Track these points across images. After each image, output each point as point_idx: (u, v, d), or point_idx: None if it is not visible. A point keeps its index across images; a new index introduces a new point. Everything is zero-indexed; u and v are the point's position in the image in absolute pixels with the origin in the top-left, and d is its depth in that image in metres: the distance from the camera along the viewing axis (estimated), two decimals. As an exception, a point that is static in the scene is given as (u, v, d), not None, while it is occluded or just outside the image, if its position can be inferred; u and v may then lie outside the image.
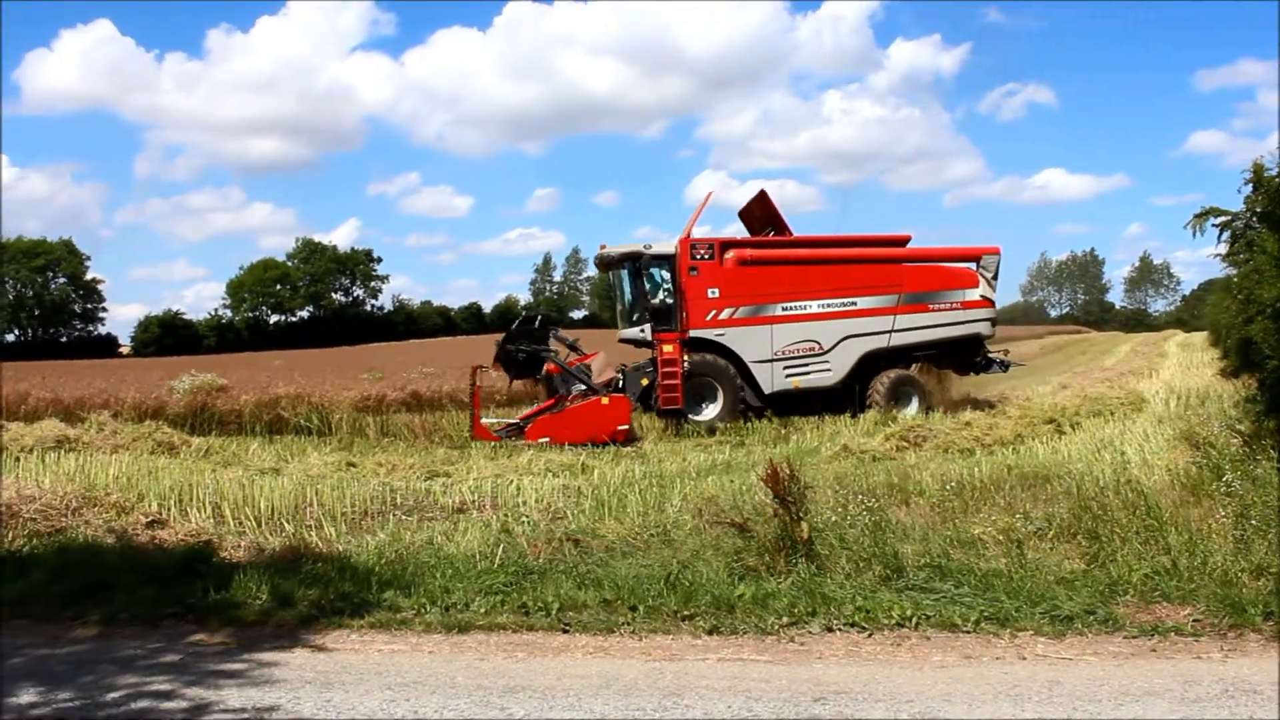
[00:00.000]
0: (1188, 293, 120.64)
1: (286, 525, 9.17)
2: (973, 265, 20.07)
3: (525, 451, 14.71)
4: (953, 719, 4.87)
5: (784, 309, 18.92)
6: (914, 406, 18.86)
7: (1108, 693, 5.17)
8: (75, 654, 6.14)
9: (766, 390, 18.91)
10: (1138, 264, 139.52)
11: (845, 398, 19.17)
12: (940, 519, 8.19)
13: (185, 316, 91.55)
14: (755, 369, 18.82)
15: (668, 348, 18.14)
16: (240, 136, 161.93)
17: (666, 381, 17.95)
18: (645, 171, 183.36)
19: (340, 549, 8.25)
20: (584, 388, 17.66)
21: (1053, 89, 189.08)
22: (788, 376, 18.97)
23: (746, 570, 7.12)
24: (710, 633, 6.30)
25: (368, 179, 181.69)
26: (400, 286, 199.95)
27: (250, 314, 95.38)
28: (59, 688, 5.46)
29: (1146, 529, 7.47)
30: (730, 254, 18.95)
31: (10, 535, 8.61)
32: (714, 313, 18.70)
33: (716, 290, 18.72)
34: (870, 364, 19.29)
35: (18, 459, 12.76)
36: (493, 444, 16.26)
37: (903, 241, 20.47)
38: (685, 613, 6.52)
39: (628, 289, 19.62)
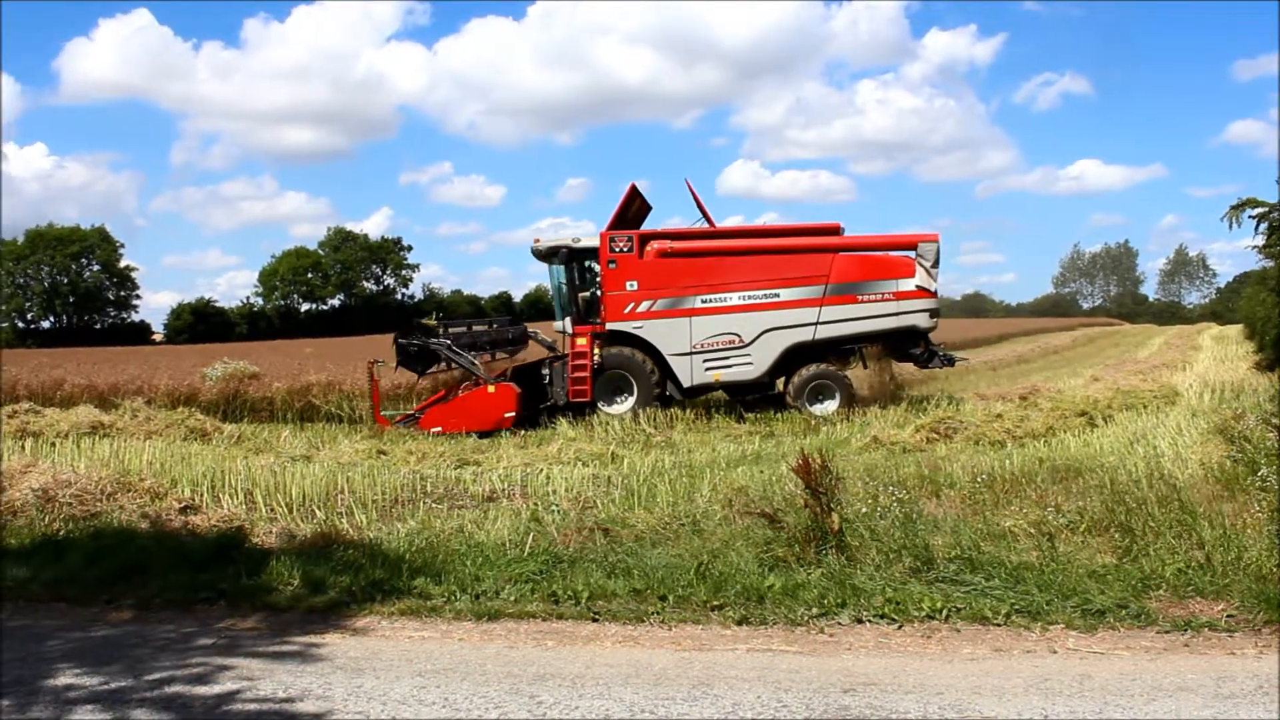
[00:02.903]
0: (1223, 285, 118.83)
1: (318, 512, 9.26)
2: (910, 254, 18.92)
3: (555, 440, 14.80)
4: (983, 712, 4.84)
5: (704, 301, 18.54)
6: (834, 403, 18.35)
7: (1140, 687, 5.13)
8: (111, 637, 6.23)
9: (686, 383, 18.61)
10: (1172, 256, 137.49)
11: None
12: (971, 511, 8.13)
13: (218, 304, 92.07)
14: (674, 362, 18.54)
15: (580, 341, 18.29)
16: (275, 125, 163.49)
17: (576, 374, 18.15)
18: (678, 161, 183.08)
19: (371, 536, 8.31)
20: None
21: (1089, 79, 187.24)
22: (708, 370, 18.59)
23: (776, 561, 7.10)
24: (740, 623, 6.30)
25: (400, 168, 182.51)
26: (431, 275, 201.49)
27: (282, 302, 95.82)
28: (95, 670, 5.53)
29: (1180, 523, 7.37)
30: (651, 246, 18.70)
31: (47, 519, 8.76)
32: (632, 305, 18.48)
33: (635, 283, 18.49)
34: (797, 357, 18.74)
35: (53, 444, 12.95)
36: (522, 432, 16.41)
37: (833, 230, 19.58)
38: (715, 603, 6.52)
39: (560, 281, 19.49)
